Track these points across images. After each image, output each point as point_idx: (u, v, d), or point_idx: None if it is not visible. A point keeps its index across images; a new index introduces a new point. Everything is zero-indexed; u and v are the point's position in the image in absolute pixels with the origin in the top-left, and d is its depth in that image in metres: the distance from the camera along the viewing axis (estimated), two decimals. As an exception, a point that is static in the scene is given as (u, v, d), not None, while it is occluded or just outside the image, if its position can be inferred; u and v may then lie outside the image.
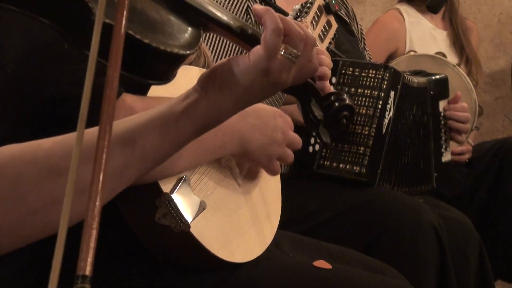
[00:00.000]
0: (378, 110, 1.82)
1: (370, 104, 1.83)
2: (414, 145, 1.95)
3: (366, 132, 1.82)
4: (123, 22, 0.53)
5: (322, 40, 1.57)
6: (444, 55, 2.52)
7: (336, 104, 0.92)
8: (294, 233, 1.45)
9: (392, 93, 1.84)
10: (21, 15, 0.65)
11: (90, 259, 0.48)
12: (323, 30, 1.55)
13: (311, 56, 0.84)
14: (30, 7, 0.65)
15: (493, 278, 1.98)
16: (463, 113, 2.08)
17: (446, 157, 2.07)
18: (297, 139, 1.18)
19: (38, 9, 0.65)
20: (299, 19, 1.48)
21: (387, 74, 1.84)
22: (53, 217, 0.74)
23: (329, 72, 1.39)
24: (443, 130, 2.06)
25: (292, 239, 1.38)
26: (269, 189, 1.28)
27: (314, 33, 1.52)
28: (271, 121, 1.14)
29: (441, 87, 2.07)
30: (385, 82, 1.83)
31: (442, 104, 2.06)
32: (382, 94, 1.83)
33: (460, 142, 2.15)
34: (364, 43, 2.24)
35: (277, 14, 0.78)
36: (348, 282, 1.17)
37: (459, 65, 2.42)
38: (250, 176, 1.22)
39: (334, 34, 1.60)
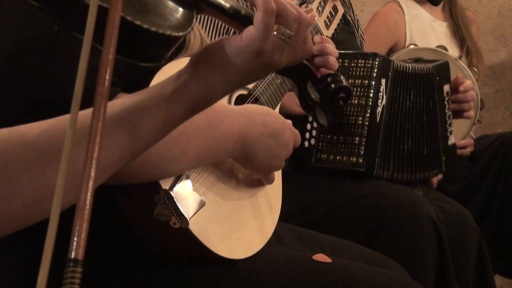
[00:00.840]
0: (370, 99, 1.82)
1: (361, 93, 1.83)
2: (415, 131, 1.95)
3: (360, 122, 1.82)
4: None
5: (327, 27, 1.56)
6: (445, 48, 2.51)
7: (333, 85, 0.91)
8: (294, 225, 1.45)
9: (383, 80, 1.85)
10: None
11: (82, 243, 0.48)
12: (329, 15, 1.54)
13: (306, 37, 0.82)
14: None
15: (492, 270, 1.98)
16: (469, 93, 2.09)
17: (451, 140, 2.08)
18: (291, 152, 1.18)
19: None
20: (304, 5, 1.47)
21: (376, 62, 1.84)
22: (44, 202, 0.73)
23: (333, 61, 1.37)
24: (448, 114, 2.06)
25: (293, 232, 1.37)
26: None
27: (320, 19, 1.51)
28: (280, 135, 1.13)
29: (444, 72, 2.07)
30: (375, 70, 1.84)
31: (445, 89, 2.06)
32: (373, 83, 1.83)
33: (471, 117, 2.16)
34: (362, 31, 2.23)
35: None
36: (348, 275, 1.16)
37: (460, 57, 2.41)
38: (251, 179, 1.22)
39: (341, 20, 1.59)
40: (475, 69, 2.60)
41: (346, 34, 2.10)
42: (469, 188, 2.33)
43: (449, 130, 2.08)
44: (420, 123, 1.97)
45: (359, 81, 1.84)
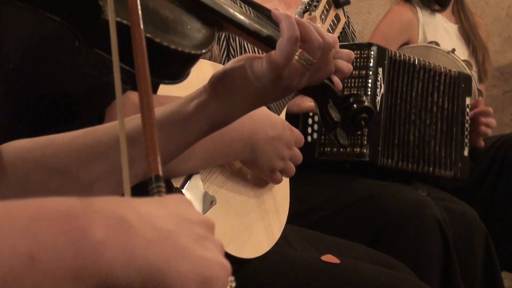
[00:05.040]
0: (369, 89, 1.84)
1: (360, 84, 1.85)
2: (425, 125, 1.97)
3: None
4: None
5: None
6: (438, 44, 2.53)
7: (355, 106, 0.90)
8: (299, 227, 1.45)
9: (380, 69, 1.86)
10: (31, 13, 0.65)
11: (159, 159, 0.49)
12: (332, 24, 1.55)
13: (327, 59, 0.83)
14: (41, 5, 0.65)
15: (500, 269, 1.97)
16: (491, 119, 2.14)
17: (466, 152, 2.10)
18: (299, 155, 1.18)
19: (49, 7, 0.65)
20: (308, 13, 1.47)
21: (372, 52, 1.86)
22: None
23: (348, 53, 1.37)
24: (466, 126, 2.08)
25: (300, 233, 1.38)
26: (278, 184, 1.28)
27: (323, 27, 1.52)
28: (282, 134, 1.14)
29: (468, 83, 2.10)
30: (371, 60, 1.86)
31: (467, 101, 2.08)
32: (370, 72, 1.85)
33: (480, 146, 2.20)
34: (354, 35, 2.24)
35: (296, 20, 0.77)
36: (355, 276, 1.17)
37: (453, 50, 2.42)
38: (260, 178, 1.22)
39: (343, 28, 1.60)
40: (469, 61, 2.60)
41: (341, 34, 2.11)
42: (470, 188, 2.33)
43: (466, 141, 2.09)
44: (431, 118, 1.98)
45: (356, 72, 1.86)
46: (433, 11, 2.71)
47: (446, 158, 2.03)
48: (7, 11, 0.97)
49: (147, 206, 0.48)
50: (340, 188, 1.81)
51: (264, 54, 0.79)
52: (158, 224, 0.47)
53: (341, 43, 1.89)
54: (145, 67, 0.53)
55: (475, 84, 2.35)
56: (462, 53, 2.61)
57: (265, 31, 0.80)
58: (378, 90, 1.86)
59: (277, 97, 0.85)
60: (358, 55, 1.86)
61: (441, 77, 2.03)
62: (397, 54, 1.94)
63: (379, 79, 1.86)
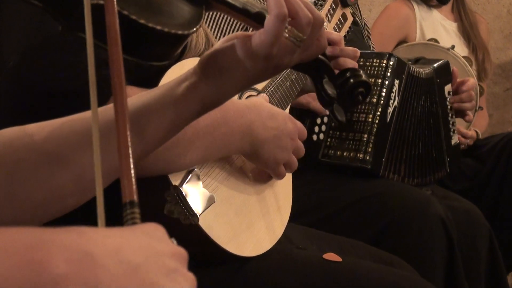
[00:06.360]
0: (382, 98, 1.83)
1: (373, 92, 1.84)
2: (424, 135, 1.96)
3: (370, 120, 1.82)
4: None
5: None
6: (436, 41, 2.52)
7: (352, 80, 0.88)
8: (302, 225, 1.45)
9: (396, 81, 1.86)
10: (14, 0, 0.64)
11: (134, 186, 0.48)
12: (338, 23, 1.54)
13: (320, 34, 0.81)
14: None
15: (504, 266, 1.97)
16: (466, 93, 2.11)
17: (454, 139, 2.09)
18: (301, 147, 1.17)
19: None
20: None
21: (391, 63, 1.86)
22: (51, 204, 0.73)
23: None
24: (450, 114, 2.07)
25: (302, 231, 1.38)
26: (280, 182, 1.28)
27: (329, 26, 1.50)
28: (283, 126, 1.13)
29: (445, 73, 2.08)
30: (389, 70, 1.85)
31: (446, 89, 2.07)
32: (386, 82, 1.85)
33: (469, 121, 2.20)
34: (368, 32, 2.23)
35: None
36: (358, 274, 1.16)
37: (453, 47, 2.41)
38: (260, 175, 1.21)
39: (350, 27, 1.59)
40: (470, 58, 2.60)
41: (354, 33, 2.10)
42: (475, 188, 2.32)
43: (452, 129, 2.09)
44: (428, 126, 1.98)
45: (372, 80, 1.85)
46: (430, 6, 2.70)
47: (440, 160, 2.02)
48: (8, 10, 0.97)
49: (115, 237, 0.46)
50: (343, 187, 1.81)
51: (253, 32, 0.77)
52: (125, 257, 0.45)
53: (362, 51, 1.90)
54: (122, 92, 0.52)
55: (475, 80, 2.34)
56: (462, 51, 2.61)
57: (255, 8, 0.77)
58: (391, 101, 1.85)
59: (268, 76, 0.83)
60: (377, 64, 1.86)
61: (429, 82, 2.01)
62: (416, 71, 1.93)
63: (393, 90, 1.85)
